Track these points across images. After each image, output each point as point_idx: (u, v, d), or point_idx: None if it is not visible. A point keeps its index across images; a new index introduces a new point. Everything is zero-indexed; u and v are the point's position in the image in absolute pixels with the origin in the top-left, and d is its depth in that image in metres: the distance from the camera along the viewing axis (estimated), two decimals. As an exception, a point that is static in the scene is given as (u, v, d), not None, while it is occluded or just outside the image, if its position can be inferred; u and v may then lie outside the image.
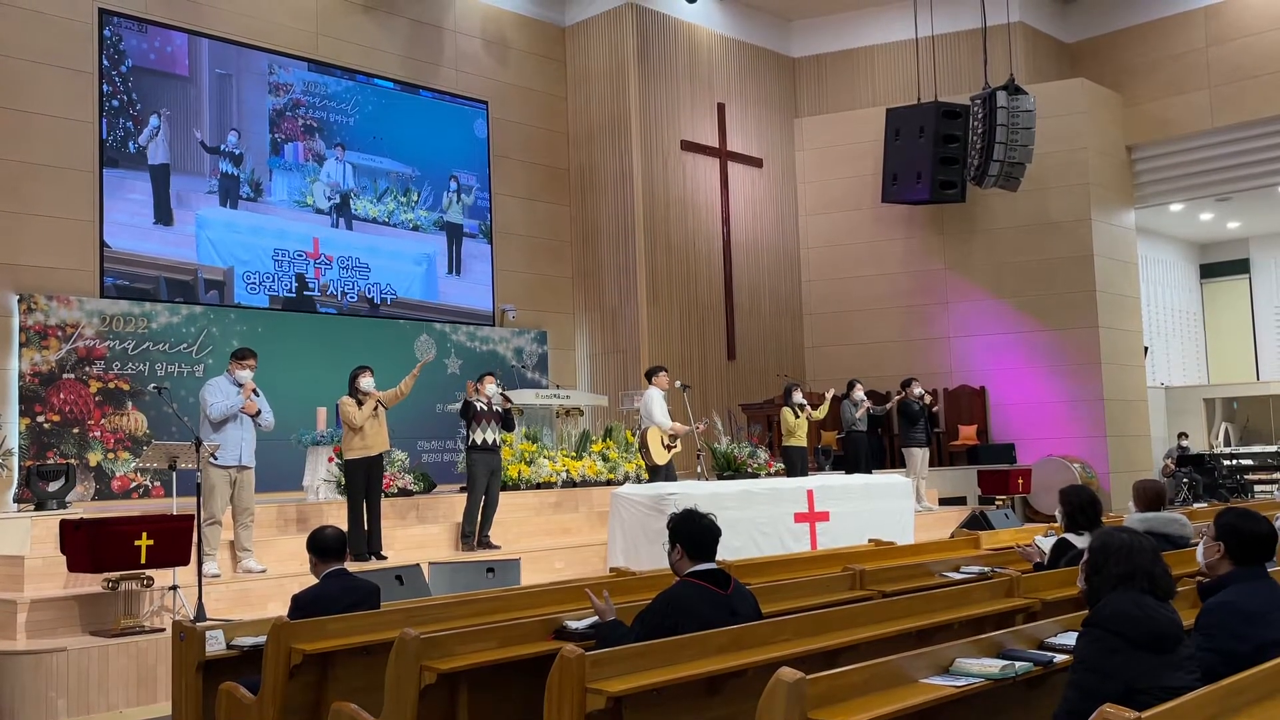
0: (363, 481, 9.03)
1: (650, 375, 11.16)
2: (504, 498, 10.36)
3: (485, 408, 9.77)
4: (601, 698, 3.56)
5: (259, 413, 8.35)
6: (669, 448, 10.85)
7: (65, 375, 11.01)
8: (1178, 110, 16.49)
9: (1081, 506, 5.69)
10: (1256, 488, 17.95)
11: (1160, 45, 16.71)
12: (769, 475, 12.48)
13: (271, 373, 11.75)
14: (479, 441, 9.72)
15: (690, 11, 15.93)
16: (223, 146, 12.44)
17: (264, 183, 12.77)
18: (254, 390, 8.32)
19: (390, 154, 13.96)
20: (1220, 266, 22.53)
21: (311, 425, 10.69)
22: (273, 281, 12.74)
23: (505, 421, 9.96)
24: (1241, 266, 22.21)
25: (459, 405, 10.20)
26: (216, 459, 8.04)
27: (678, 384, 11.20)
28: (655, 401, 10.90)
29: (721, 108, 16.35)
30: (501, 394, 9.97)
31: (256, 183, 12.70)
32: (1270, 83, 15.71)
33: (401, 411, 9.65)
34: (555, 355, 15.41)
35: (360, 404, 9.06)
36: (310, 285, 13.03)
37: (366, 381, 9.15)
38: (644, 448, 10.91)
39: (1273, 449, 19.01)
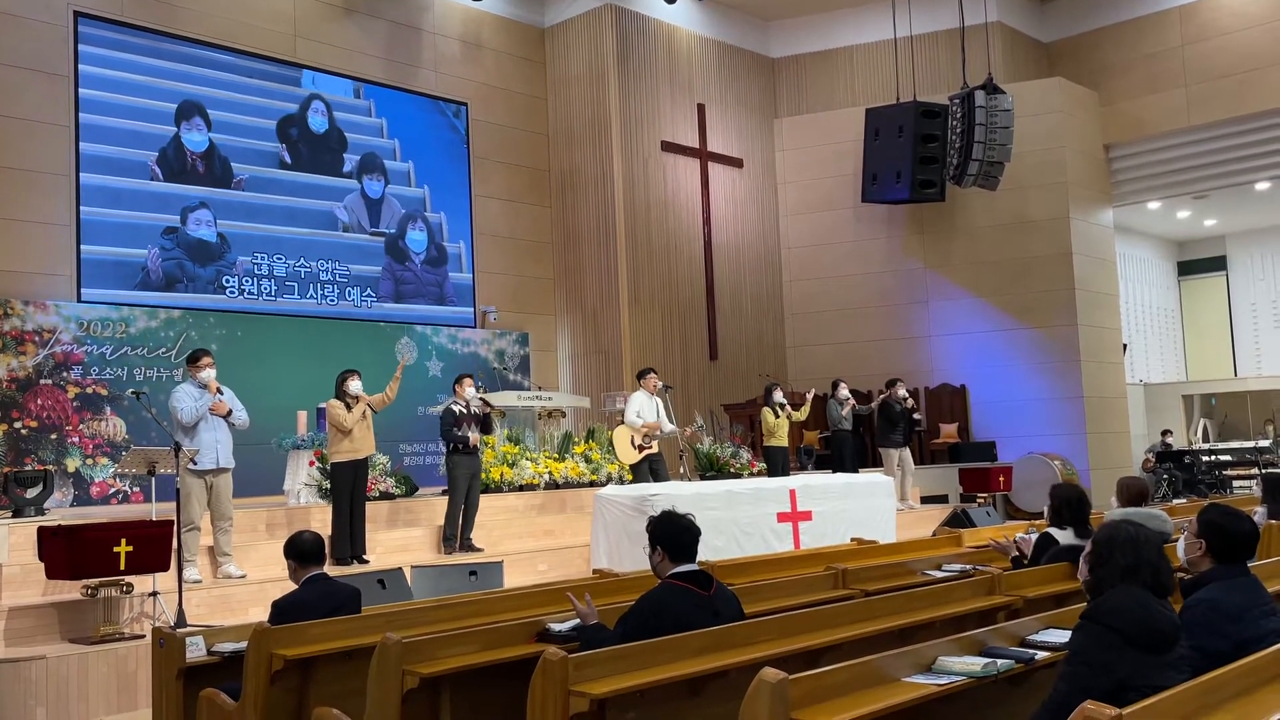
0: (348, 485, 8.99)
1: (639, 377, 11.21)
2: (486, 500, 10.33)
3: (464, 411, 9.74)
4: (584, 700, 3.55)
5: (230, 412, 8.28)
6: (640, 448, 10.84)
7: (43, 381, 10.92)
8: (1154, 109, 16.61)
9: (1068, 503, 5.71)
10: (1235, 483, 18.08)
11: (1136, 45, 16.83)
12: (752, 475, 12.49)
13: (251, 376, 11.72)
14: (461, 445, 9.68)
15: (669, 12, 15.94)
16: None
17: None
18: (219, 390, 8.25)
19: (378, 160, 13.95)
20: (1198, 264, 22.70)
21: (292, 429, 10.64)
22: (252, 284, 12.68)
23: (484, 424, 9.92)
24: (1219, 264, 22.38)
25: (440, 409, 10.16)
26: (196, 464, 7.99)
27: (660, 385, 11.22)
28: (632, 402, 10.95)
29: (701, 108, 16.36)
30: (480, 397, 9.94)
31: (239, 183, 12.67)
32: (1245, 81, 15.84)
33: (383, 414, 9.62)
34: (537, 357, 15.38)
35: (349, 407, 9.03)
36: (289, 287, 12.98)
37: (355, 385, 9.11)
38: (613, 447, 10.96)
39: (1250, 445, 19.15)
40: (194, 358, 8.38)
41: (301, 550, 5.11)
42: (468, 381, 9.93)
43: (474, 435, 9.70)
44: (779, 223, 17.37)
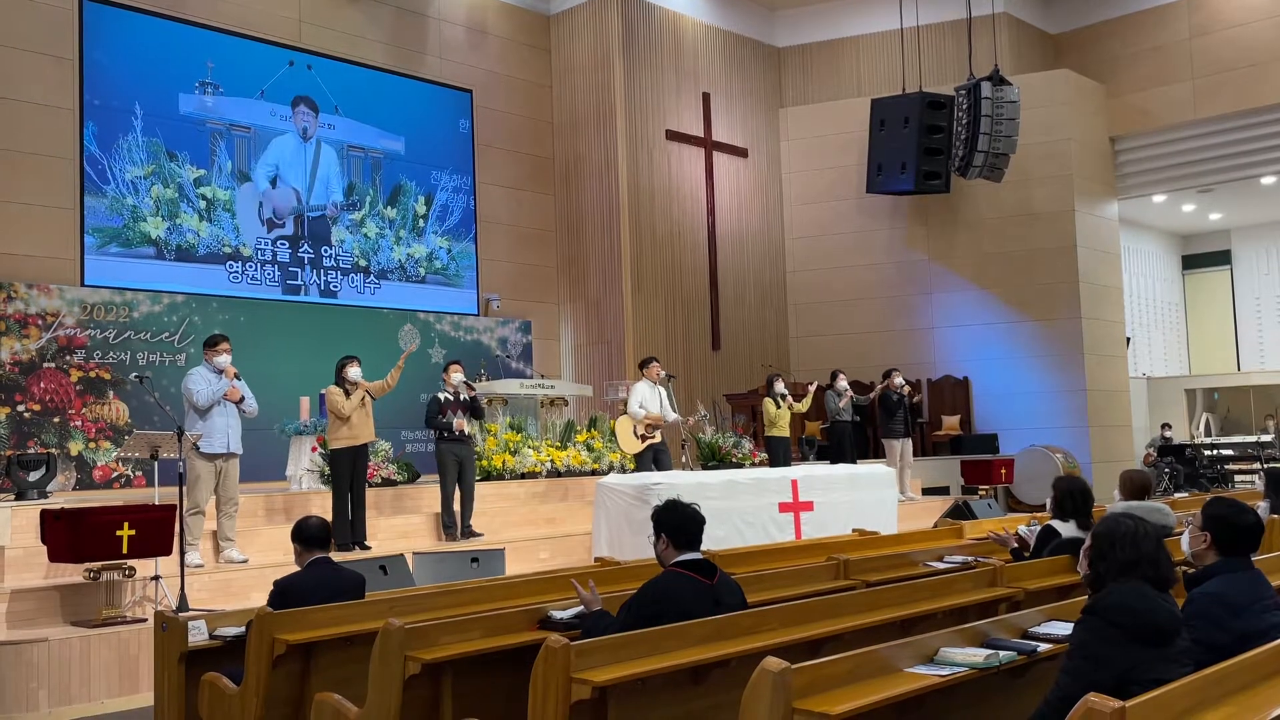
0: (348, 471, 8.98)
1: (641, 366, 11.20)
2: (489, 488, 10.32)
3: (451, 398, 9.71)
4: (586, 687, 3.55)
5: (242, 399, 8.29)
6: (643, 437, 10.83)
7: (46, 364, 10.93)
8: (1160, 102, 16.56)
9: (1071, 495, 5.70)
10: (1237, 477, 18.08)
11: (1143, 37, 16.77)
12: (753, 465, 12.49)
13: (254, 362, 11.72)
14: (446, 432, 9.67)
15: (675, 0, 15.89)
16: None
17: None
18: (236, 375, 8.27)
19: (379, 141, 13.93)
20: (1202, 258, 22.66)
21: (294, 415, 10.64)
22: (255, 270, 12.67)
23: (474, 409, 9.89)
24: (1223, 258, 22.35)
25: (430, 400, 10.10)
26: (200, 448, 7.99)
27: (662, 374, 11.21)
28: (635, 392, 10.94)
29: (707, 97, 16.32)
30: (465, 383, 9.86)
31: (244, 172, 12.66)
32: (1252, 75, 15.79)
33: (385, 401, 9.61)
34: (540, 345, 15.37)
35: (348, 394, 9.02)
36: (293, 272, 12.97)
37: (354, 371, 9.08)
38: (615, 438, 10.97)
39: (1252, 439, 19.14)
40: (212, 341, 8.38)
41: (307, 535, 5.12)
42: (454, 368, 9.86)
43: (460, 421, 9.65)
44: (783, 213, 17.34)
